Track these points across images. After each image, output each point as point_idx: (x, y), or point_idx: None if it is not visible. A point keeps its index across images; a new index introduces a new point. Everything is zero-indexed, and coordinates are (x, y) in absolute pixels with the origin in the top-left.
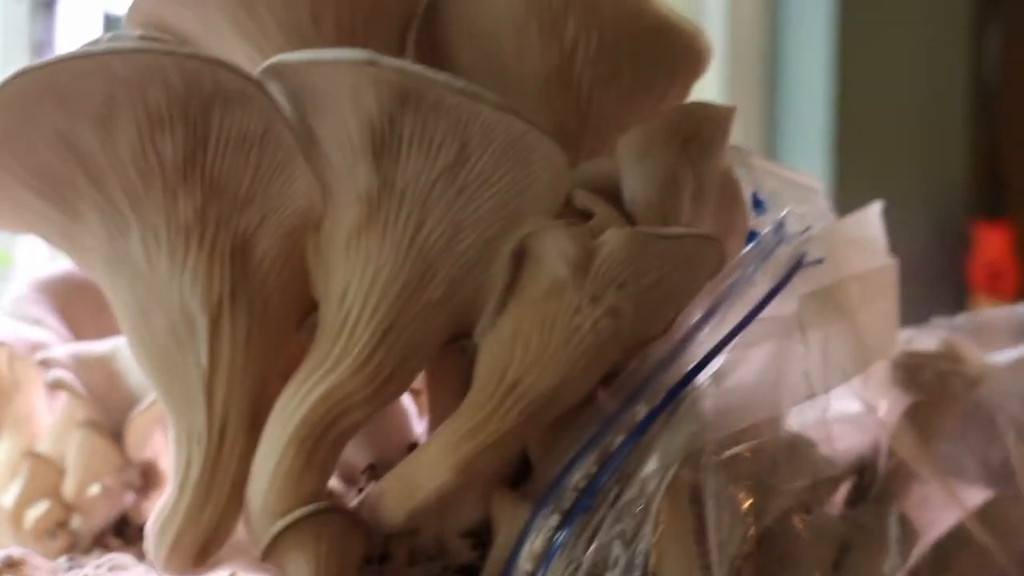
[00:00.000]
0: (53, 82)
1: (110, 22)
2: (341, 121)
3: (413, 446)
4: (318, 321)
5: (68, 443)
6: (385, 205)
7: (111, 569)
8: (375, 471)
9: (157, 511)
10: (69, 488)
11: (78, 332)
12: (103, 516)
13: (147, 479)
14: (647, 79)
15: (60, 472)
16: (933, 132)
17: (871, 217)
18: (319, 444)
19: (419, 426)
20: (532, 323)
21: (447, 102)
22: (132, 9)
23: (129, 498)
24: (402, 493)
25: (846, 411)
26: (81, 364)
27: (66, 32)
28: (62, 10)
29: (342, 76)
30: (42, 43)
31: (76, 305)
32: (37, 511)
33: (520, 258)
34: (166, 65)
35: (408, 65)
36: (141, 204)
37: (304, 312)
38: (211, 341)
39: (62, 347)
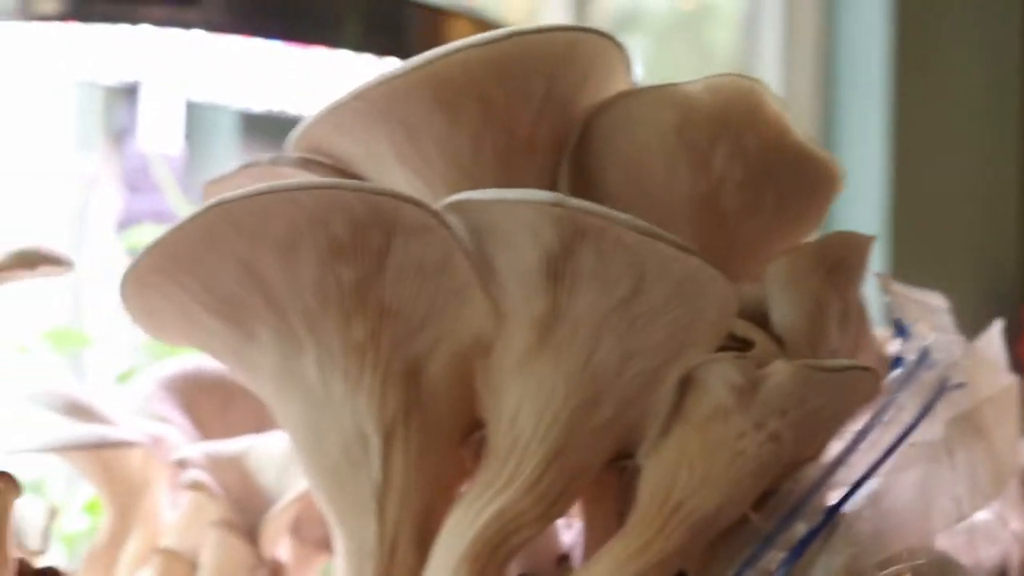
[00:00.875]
0: (239, 214)
1: (192, 110)
2: (520, 254)
3: (563, 558)
4: (486, 441)
5: (195, 540)
6: (559, 332)
7: None
8: None
9: None
10: None
11: (204, 430)
12: None
13: None
14: (788, 205)
15: (190, 569)
16: (986, 217)
17: (995, 336)
18: (490, 562)
19: (566, 537)
20: (697, 447)
21: (627, 240)
22: (302, 136)
23: None
24: None
25: (976, 521)
26: (215, 463)
27: (148, 119)
28: (144, 97)
29: (525, 213)
30: (124, 129)
31: (202, 402)
32: None
33: (686, 385)
34: (351, 200)
35: (590, 205)
36: (317, 327)
37: (467, 430)
38: (384, 460)
39: (194, 446)
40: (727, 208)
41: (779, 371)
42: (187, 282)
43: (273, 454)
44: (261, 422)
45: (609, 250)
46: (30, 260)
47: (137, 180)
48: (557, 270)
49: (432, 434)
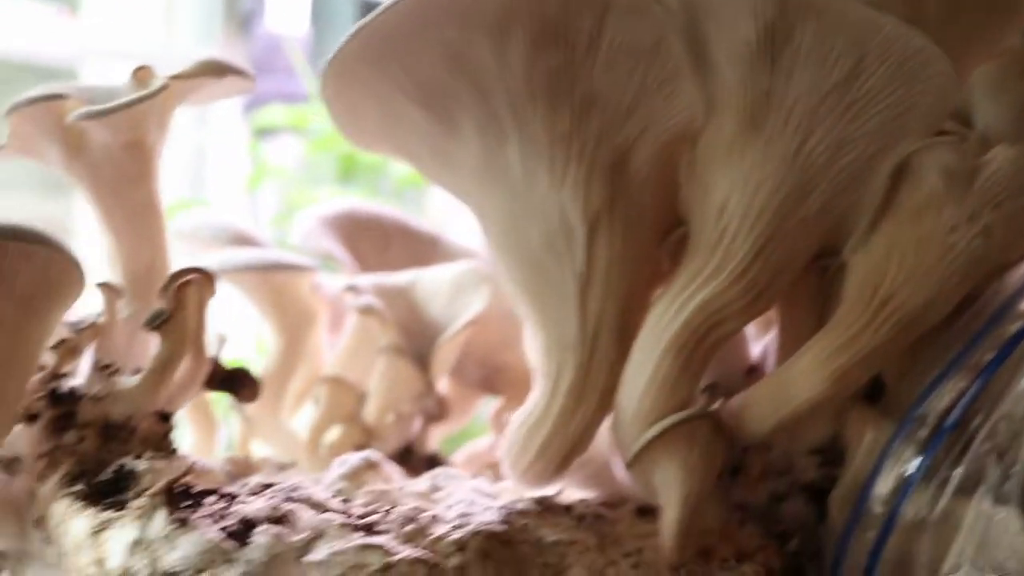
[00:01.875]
0: None
1: None
2: (737, 35)
3: (752, 368)
4: (690, 235)
5: (360, 369)
6: (772, 118)
7: (447, 479)
8: (715, 390)
9: (520, 420)
10: (370, 412)
11: (364, 267)
12: (396, 442)
13: (440, 408)
14: (982, 23)
15: (357, 397)
16: None
17: None
18: (694, 352)
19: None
20: (908, 240)
21: (851, 17)
22: None
23: (417, 426)
24: (772, 404)
25: None
26: (383, 293)
27: (275, 1)
28: None
29: None
30: (250, 13)
31: (361, 241)
32: (334, 435)
33: (899, 175)
34: None
35: None
36: (523, 116)
37: (667, 227)
38: (588, 251)
39: (363, 277)
40: (928, 13)
41: (999, 156)
42: (393, 70)
43: (440, 286)
44: (418, 263)
45: (831, 28)
46: (218, 69)
47: (264, 62)
48: (775, 51)
49: (634, 228)
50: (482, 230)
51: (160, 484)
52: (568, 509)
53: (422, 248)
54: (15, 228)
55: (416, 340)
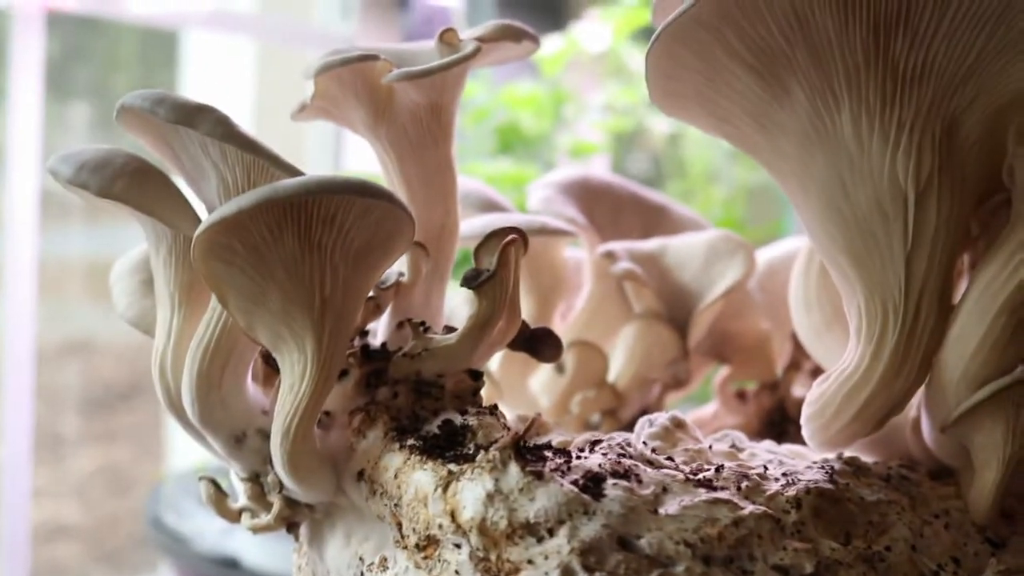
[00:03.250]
0: None
1: None
2: None
3: None
4: (1015, 202)
5: (596, 335)
6: None
7: (739, 440)
8: None
9: (835, 382)
10: (622, 376)
11: (601, 233)
12: (636, 407)
13: (687, 376)
14: None
15: (606, 361)
16: None
17: None
18: None
19: None
20: None
21: None
22: None
23: (655, 392)
24: None
25: None
26: (635, 258)
27: None
28: None
29: None
30: None
31: (596, 208)
32: (585, 398)
33: None
34: None
35: None
36: (859, 83)
37: (987, 194)
38: (916, 215)
39: (615, 244)
40: None
41: None
42: (728, 36)
43: (693, 252)
44: (648, 230)
45: None
46: (517, 33)
47: (421, 32)
48: None
49: (960, 192)
50: (797, 194)
51: (507, 438)
52: (875, 471)
53: (651, 216)
54: (358, 183)
55: (667, 306)
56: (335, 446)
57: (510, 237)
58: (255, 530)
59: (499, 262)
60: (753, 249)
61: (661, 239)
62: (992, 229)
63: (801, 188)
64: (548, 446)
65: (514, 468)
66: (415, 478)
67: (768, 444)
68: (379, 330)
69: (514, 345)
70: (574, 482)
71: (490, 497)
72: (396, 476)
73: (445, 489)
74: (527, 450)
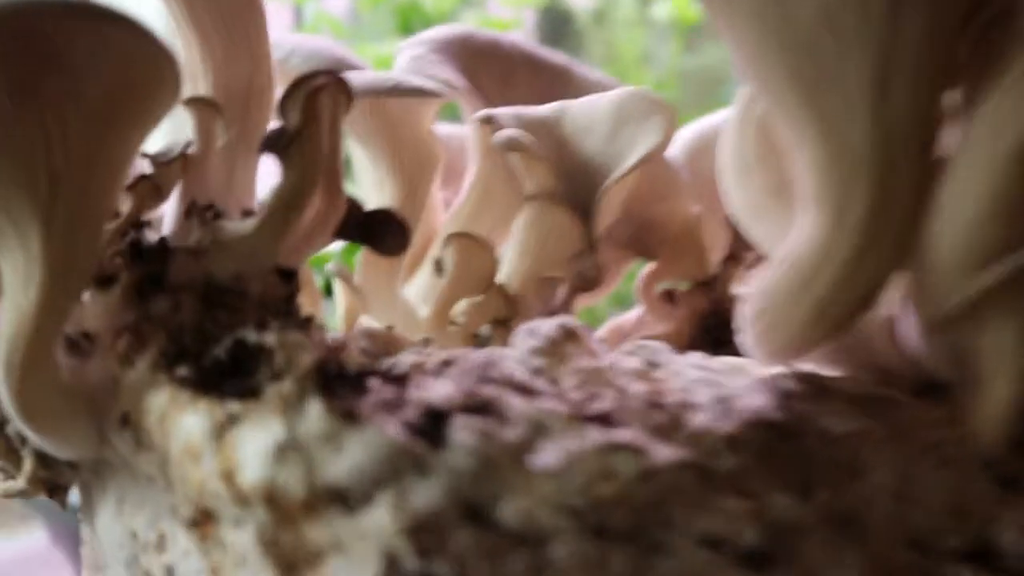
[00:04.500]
0: None
1: None
2: None
3: None
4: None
5: (486, 227)
6: None
7: (655, 353)
8: None
9: (786, 266)
10: (512, 276)
11: (487, 102)
12: (535, 315)
13: (598, 274)
14: None
15: (493, 258)
16: None
17: None
18: None
19: None
20: None
21: None
22: None
23: (560, 295)
24: None
25: None
26: (524, 126)
27: None
28: None
29: None
30: None
31: (481, 72)
32: (471, 304)
33: None
34: None
35: None
36: None
37: (971, 9)
38: (887, 23)
39: (499, 109)
40: None
41: None
42: None
43: (597, 117)
44: (546, 98)
45: None
46: None
47: None
48: None
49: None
50: (724, 22)
51: (307, 361)
52: (842, 390)
53: (551, 81)
54: (84, 4)
55: (567, 185)
56: (96, 380)
57: (318, 83)
58: (7, 495)
59: (305, 118)
60: (673, 111)
61: (560, 103)
62: (989, 50)
63: (736, 24)
64: (377, 371)
65: (316, 406)
66: (183, 423)
67: (695, 358)
68: (165, 221)
69: (344, 233)
70: (405, 423)
71: (281, 450)
72: (162, 421)
73: (220, 438)
74: (340, 379)
